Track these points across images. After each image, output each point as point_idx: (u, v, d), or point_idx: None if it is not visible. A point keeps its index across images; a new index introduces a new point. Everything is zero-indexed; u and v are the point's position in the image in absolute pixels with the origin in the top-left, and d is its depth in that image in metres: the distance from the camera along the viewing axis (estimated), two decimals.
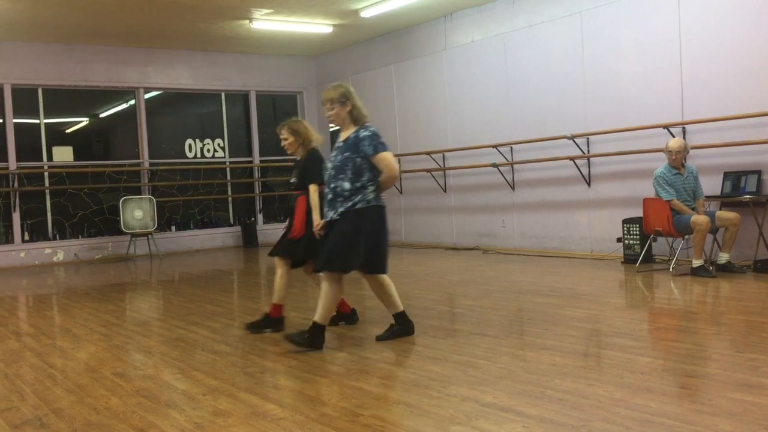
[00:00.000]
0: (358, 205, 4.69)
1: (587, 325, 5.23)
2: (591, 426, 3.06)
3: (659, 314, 5.71)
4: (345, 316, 5.67)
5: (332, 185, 4.75)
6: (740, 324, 5.01)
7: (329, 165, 4.83)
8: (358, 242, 4.68)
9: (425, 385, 3.81)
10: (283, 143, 5.57)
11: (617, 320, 5.29)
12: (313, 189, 5.23)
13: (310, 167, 5.34)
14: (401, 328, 5.08)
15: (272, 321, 5.56)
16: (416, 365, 4.29)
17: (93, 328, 6.06)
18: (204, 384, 4.07)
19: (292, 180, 5.56)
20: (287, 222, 5.67)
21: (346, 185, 4.69)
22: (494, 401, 3.46)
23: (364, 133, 4.72)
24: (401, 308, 5.10)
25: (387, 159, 4.70)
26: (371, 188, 4.73)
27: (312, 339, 4.77)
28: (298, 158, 5.57)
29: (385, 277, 4.97)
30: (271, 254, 5.66)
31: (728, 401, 3.30)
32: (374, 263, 4.81)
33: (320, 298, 4.80)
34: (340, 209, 4.71)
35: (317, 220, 5.05)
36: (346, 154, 4.72)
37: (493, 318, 5.57)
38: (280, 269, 5.53)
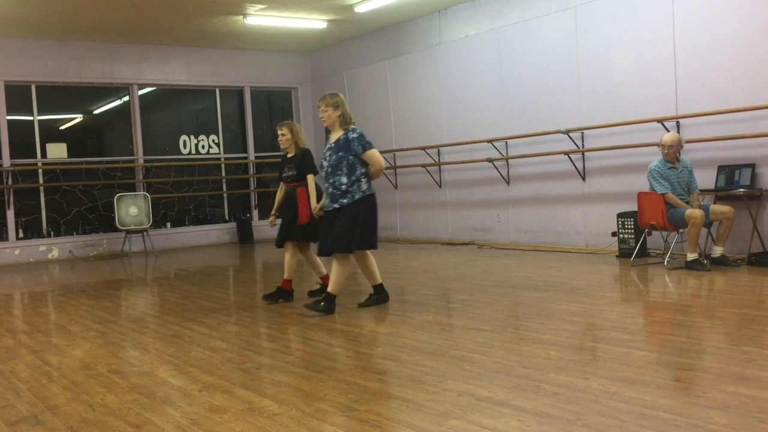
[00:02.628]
0: (357, 196, 5.64)
1: (582, 319, 5.24)
2: (586, 419, 3.07)
3: (654, 308, 5.73)
4: (285, 293, 6.58)
5: (331, 180, 5.68)
6: (734, 317, 5.03)
7: (325, 163, 5.74)
8: (357, 226, 5.61)
9: (421, 379, 3.82)
10: (281, 138, 6.59)
11: (612, 314, 5.31)
12: (311, 178, 6.37)
13: (308, 162, 6.45)
14: (379, 296, 6.06)
15: (285, 293, 6.57)
16: (412, 360, 4.29)
17: (88, 325, 6.05)
18: (200, 380, 4.07)
19: (290, 173, 6.49)
20: (285, 212, 6.55)
21: (344, 180, 5.62)
22: (490, 395, 3.47)
23: (352, 135, 5.67)
24: (380, 281, 6.07)
25: (375, 155, 5.69)
26: (364, 180, 5.69)
27: (327, 306, 5.78)
28: (290, 155, 6.56)
29: (370, 254, 5.93)
30: (280, 244, 6.56)
31: (723, 394, 3.32)
32: (370, 240, 5.77)
33: (333, 274, 5.80)
34: (343, 201, 5.64)
35: (314, 204, 6.22)
36: (340, 153, 5.65)
37: (489, 312, 5.58)
38: (289, 251, 6.51)
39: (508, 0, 10.11)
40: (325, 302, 5.79)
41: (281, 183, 6.70)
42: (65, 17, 10.49)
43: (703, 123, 7.89)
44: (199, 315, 6.20)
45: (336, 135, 5.77)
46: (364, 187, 5.68)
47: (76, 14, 10.36)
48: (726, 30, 7.69)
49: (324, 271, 6.67)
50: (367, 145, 5.66)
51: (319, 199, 6.21)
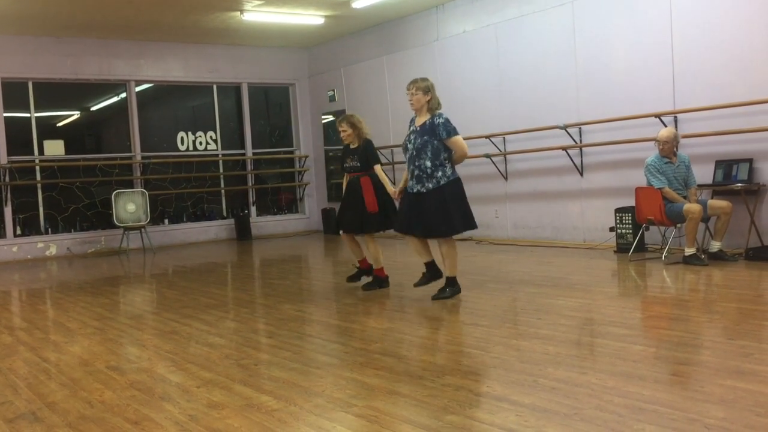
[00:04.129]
0: (442, 182, 5.77)
1: (580, 314, 5.25)
2: (584, 414, 3.07)
3: (652, 303, 5.74)
4: (381, 280, 6.76)
5: (416, 163, 5.82)
6: (732, 311, 5.04)
7: (410, 146, 5.89)
8: (450, 210, 5.80)
9: (419, 375, 3.82)
10: (342, 134, 6.70)
11: (610, 309, 5.31)
12: (379, 168, 6.55)
13: (372, 153, 6.61)
14: (433, 275, 6.19)
15: (381, 280, 6.75)
16: (410, 355, 4.30)
17: (86, 321, 6.05)
18: (198, 376, 4.07)
19: (353, 164, 6.63)
20: (350, 201, 6.68)
21: (428, 163, 5.76)
22: (488, 390, 3.48)
23: (438, 120, 5.78)
24: (432, 258, 6.17)
25: (459, 142, 5.81)
26: (448, 164, 5.82)
27: (453, 289, 6.03)
28: (353, 146, 6.67)
29: (454, 241, 6.07)
30: (361, 232, 6.68)
31: (720, 388, 3.32)
32: (468, 222, 5.95)
33: (444, 257, 6.02)
34: (428, 185, 5.79)
35: (392, 189, 6.41)
36: (425, 137, 5.79)
37: (487, 308, 5.59)
38: (371, 241, 6.70)
39: None
40: (449, 285, 6.06)
41: (345, 173, 6.87)
42: (62, 14, 10.46)
43: (701, 118, 7.89)
44: (197, 311, 6.20)
45: (422, 119, 5.89)
46: (449, 171, 5.81)
47: (73, 11, 10.33)
48: (723, 25, 7.68)
49: (363, 256, 6.87)
50: (452, 131, 5.77)
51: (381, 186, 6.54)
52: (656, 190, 7.28)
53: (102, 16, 10.76)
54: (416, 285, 6.25)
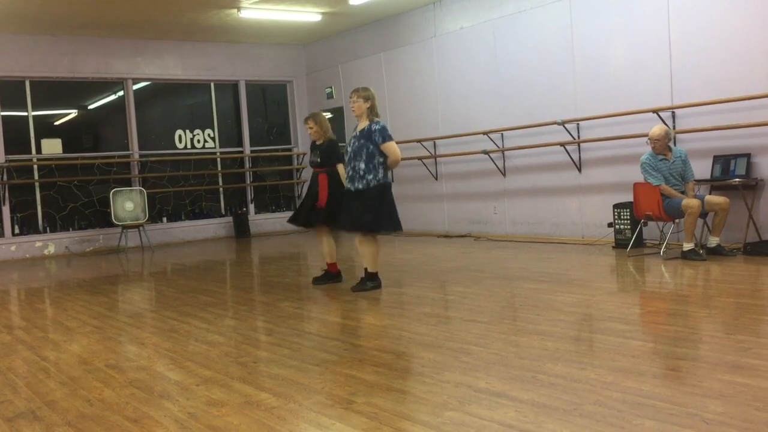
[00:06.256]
0: (372, 183, 6.17)
1: (579, 309, 5.26)
2: (583, 409, 3.08)
3: (650, 298, 5.74)
4: (334, 276, 7.05)
5: (352, 164, 6.26)
6: (730, 306, 5.05)
7: (349, 149, 6.33)
8: (374, 210, 6.16)
9: (418, 371, 3.83)
10: (309, 131, 7.07)
11: (608, 304, 5.32)
12: (341, 167, 6.75)
13: (335, 151, 6.90)
14: (374, 284, 6.49)
15: (333, 276, 7.05)
16: (409, 352, 4.30)
17: (85, 320, 6.04)
18: (197, 374, 4.08)
19: (316, 160, 6.95)
20: (309, 195, 7.01)
21: (362, 165, 6.18)
22: (487, 386, 3.48)
23: (375, 127, 6.22)
24: (377, 269, 6.51)
25: (392, 147, 6.22)
26: (381, 169, 6.21)
27: (374, 283, 6.45)
28: (318, 143, 6.98)
29: (377, 241, 6.45)
30: (308, 225, 7.06)
31: (719, 383, 3.33)
32: (392, 223, 6.32)
33: (363, 255, 6.43)
34: (358, 185, 6.21)
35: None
36: (362, 141, 6.21)
37: (486, 304, 5.59)
38: (326, 235, 7.00)
39: None
40: (369, 281, 6.46)
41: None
42: (59, 12, 10.44)
43: (699, 113, 7.90)
44: (196, 309, 6.20)
45: (362, 125, 6.32)
46: (380, 175, 6.21)
47: (70, 9, 10.31)
48: (720, 20, 7.68)
49: (332, 260, 7.08)
50: (387, 138, 6.19)
51: None
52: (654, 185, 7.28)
53: (99, 14, 10.74)
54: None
